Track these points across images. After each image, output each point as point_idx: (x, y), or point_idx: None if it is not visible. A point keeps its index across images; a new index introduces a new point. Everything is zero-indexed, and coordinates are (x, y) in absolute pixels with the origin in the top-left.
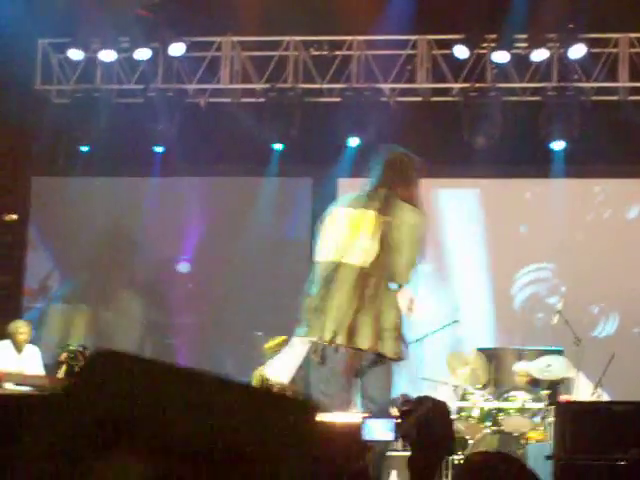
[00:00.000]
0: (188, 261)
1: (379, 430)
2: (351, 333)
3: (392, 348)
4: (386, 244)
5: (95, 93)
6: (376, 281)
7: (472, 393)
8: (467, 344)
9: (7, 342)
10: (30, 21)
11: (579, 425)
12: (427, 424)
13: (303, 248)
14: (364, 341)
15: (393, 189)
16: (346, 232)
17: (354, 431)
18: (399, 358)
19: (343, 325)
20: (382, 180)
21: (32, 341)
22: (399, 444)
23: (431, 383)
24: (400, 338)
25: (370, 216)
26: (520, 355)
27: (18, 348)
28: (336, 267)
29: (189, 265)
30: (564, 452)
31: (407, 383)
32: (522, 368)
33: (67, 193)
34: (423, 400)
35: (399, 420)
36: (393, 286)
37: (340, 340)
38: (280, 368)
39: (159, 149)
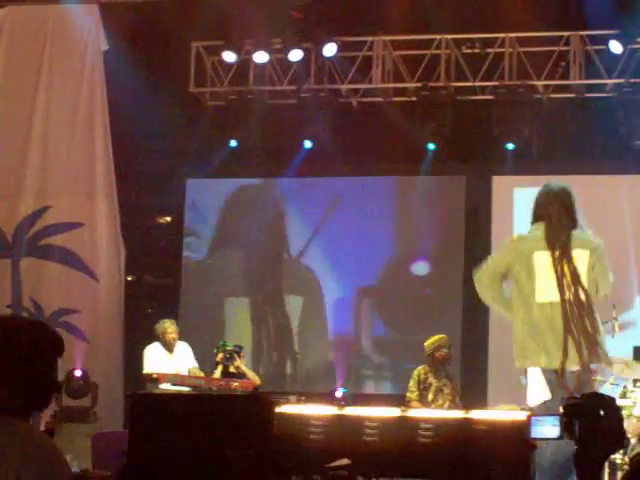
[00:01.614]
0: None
1: (545, 427)
2: (576, 357)
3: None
4: (583, 275)
5: (248, 95)
6: (587, 309)
7: (633, 391)
8: (624, 342)
9: (157, 344)
10: (184, 25)
11: None
12: (593, 419)
13: (456, 245)
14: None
15: (565, 223)
16: (549, 273)
17: (520, 428)
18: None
19: (571, 351)
20: (551, 215)
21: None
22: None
23: None
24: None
25: (558, 254)
26: None
27: (169, 348)
28: (552, 305)
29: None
30: None
31: None
32: None
33: (222, 194)
34: (589, 396)
35: (564, 417)
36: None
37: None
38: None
39: (311, 148)
